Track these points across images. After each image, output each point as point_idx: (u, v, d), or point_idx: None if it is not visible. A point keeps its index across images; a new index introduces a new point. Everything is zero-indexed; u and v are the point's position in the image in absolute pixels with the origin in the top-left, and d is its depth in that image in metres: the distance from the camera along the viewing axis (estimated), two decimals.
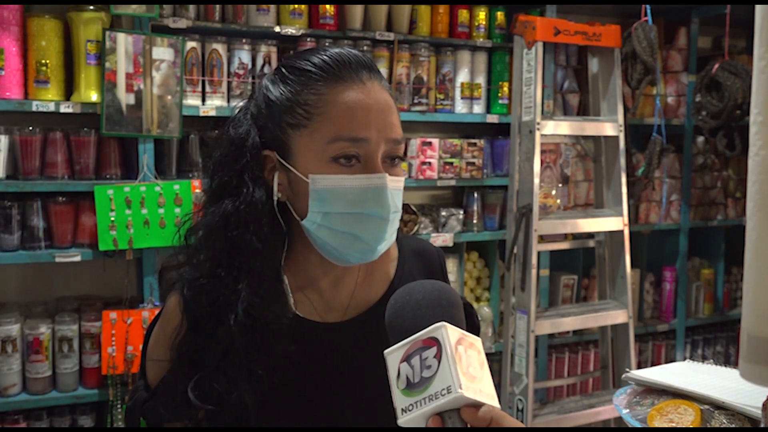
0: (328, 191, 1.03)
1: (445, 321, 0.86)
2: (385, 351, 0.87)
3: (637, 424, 1.07)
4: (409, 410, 0.83)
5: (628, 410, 1.12)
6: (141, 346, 1.16)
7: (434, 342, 0.84)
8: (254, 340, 1.03)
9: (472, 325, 1.05)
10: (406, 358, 0.85)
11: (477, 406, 0.82)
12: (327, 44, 2.99)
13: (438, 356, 0.83)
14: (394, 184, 1.06)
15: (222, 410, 1.02)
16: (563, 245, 3.36)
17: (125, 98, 2.65)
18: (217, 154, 1.10)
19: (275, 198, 1.07)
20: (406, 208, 3.12)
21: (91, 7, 2.62)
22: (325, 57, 1.07)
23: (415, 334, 0.86)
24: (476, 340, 0.88)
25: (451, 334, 0.84)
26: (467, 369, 0.83)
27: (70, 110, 2.61)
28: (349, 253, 1.06)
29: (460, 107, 3.29)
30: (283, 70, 1.09)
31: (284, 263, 1.11)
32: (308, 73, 1.06)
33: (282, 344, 1.05)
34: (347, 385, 1.11)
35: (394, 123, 1.07)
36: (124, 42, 2.63)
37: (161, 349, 1.09)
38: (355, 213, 1.03)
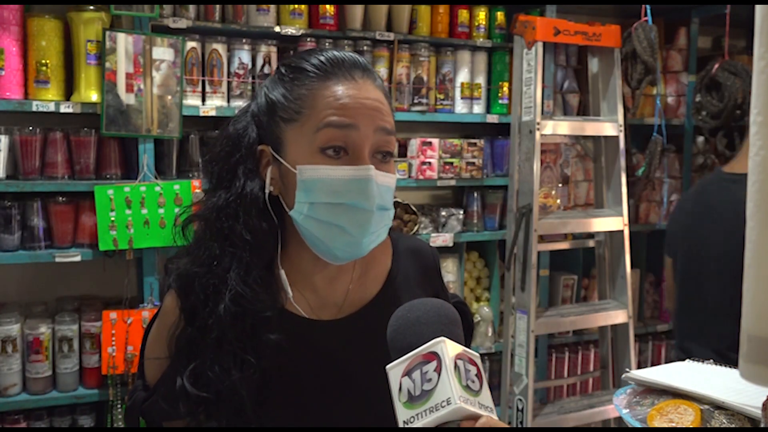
0: (314, 181, 1.04)
1: (445, 337, 0.88)
2: (387, 366, 0.90)
3: (637, 424, 1.07)
4: (411, 422, 0.85)
5: (628, 410, 1.12)
6: (140, 347, 1.18)
7: (434, 356, 0.87)
8: (244, 328, 1.05)
9: (466, 324, 1.07)
10: (408, 373, 0.87)
11: (475, 417, 0.85)
12: (327, 44, 2.99)
13: (438, 370, 0.85)
14: (383, 179, 1.06)
15: (217, 399, 1.04)
16: (563, 245, 3.36)
17: (125, 98, 2.65)
18: (216, 150, 1.13)
19: (267, 191, 1.09)
20: (406, 208, 3.12)
21: (91, 7, 2.62)
22: (321, 57, 1.09)
23: (415, 349, 0.88)
24: (475, 356, 0.91)
25: (450, 348, 0.87)
26: (466, 382, 0.86)
27: (70, 110, 2.61)
28: (335, 246, 1.07)
29: (460, 107, 3.28)
30: (282, 69, 1.13)
31: (280, 259, 1.12)
32: (304, 71, 1.09)
33: (272, 333, 1.06)
34: (340, 381, 1.11)
35: (384, 113, 1.08)
36: (124, 42, 2.63)
37: (159, 347, 1.11)
38: (340, 203, 1.04)
